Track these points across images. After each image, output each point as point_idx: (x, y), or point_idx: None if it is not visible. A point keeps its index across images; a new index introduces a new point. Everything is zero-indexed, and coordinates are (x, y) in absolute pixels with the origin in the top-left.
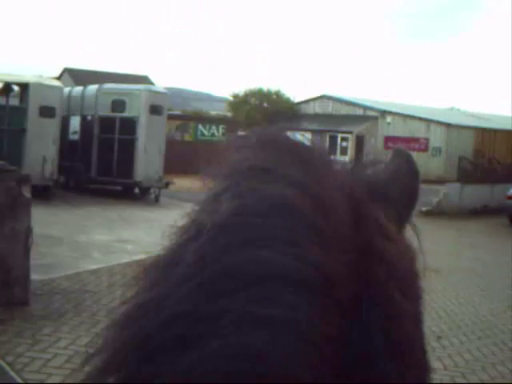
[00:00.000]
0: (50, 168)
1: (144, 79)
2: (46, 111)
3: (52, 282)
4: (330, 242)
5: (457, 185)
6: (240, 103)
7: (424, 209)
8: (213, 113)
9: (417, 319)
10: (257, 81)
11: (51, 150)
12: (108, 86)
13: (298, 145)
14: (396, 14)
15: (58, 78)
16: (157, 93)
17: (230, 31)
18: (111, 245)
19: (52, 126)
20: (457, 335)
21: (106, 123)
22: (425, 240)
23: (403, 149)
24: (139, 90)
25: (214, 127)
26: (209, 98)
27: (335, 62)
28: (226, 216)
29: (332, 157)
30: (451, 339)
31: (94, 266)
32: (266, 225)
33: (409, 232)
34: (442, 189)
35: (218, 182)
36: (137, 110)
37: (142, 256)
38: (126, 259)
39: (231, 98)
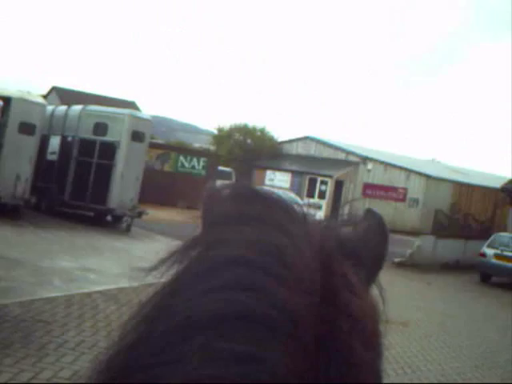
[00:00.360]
0: (23, 187)
1: (131, 105)
2: (26, 128)
3: (3, 308)
4: (292, 286)
5: (431, 238)
6: (224, 137)
7: (397, 260)
8: (196, 145)
9: (377, 373)
10: (243, 116)
11: (26, 169)
12: (92, 107)
13: (271, 199)
14: (386, 63)
15: (45, 97)
16: (140, 119)
17: (221, 64)
18: (74, 272)
19: (30, 143)
20: None
21: (86, 146)
22: (395, 292)
23: (375, 211)
24: (123, 114)
25: (195, 159)
26: (194, 130)
27: (321, 105)
28: (194, 266)
29: (307, 213)
30: None
31: (52, 294)
32: (230, 272)
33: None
34: (416, 241)
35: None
36: (118, 134)
37: (104, 287)
38: (86, 289)
39: (216, 132)
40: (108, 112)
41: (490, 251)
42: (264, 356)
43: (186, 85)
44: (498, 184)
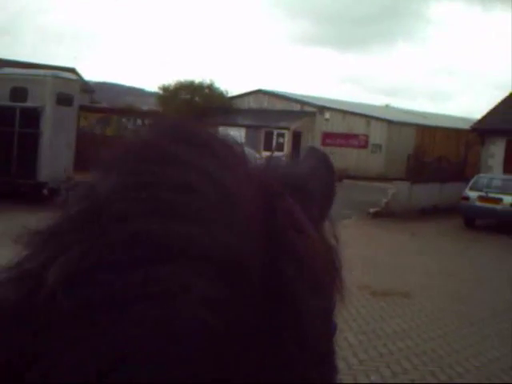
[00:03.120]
0: None
1: (71, 71)
2: None
3: None
4: (240, 228)
5: (406, 184)
6: (170, 97)
7: (372, 210)
8: (145, 108)
9: (327, 321)
10: (189, 74)
11: None
12: (7, 70)
13: (206, 133)
14: (337, 18)
15: None
16: (66, 80)
17: (163, 23)
18: None
19: None
20: None
21: (4, 114)
22: (380, 249)
23: (316, 146)
24: (44, 75)
25: (139, 122)
26: (142, 93)
27: (271, 57)
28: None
29: (245, 150)
30: None
31: None
32: (174, 201)
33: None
34: (390, 188)
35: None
36: (41, 99)
37: None
38: None
39: (161, 92)
40: (26, 74)
41: (473, 194)
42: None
43: (129, 46)
44: (459, 125)
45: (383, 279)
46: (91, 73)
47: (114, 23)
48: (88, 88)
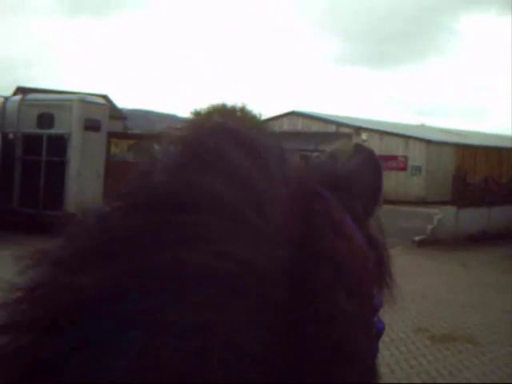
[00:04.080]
0: None
1: (103, 98)
2: None
3: None
4: (263, 237)
5: (452, 208)
6: (202, 122)
7: (417, 238)
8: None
9: (363, 324)
10: (221, 97)
11: None
12: (33, 96)
13: (247, 133)
14: (361, 37)
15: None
16: (93, 104)
17: (195, 47)
18: None
19: None
20: None
21: (31, 142)
22: (431, 284)
23: (364, 145)
24: (70, 100)
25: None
26: (174, 119)
27: (306, 78)
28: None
29: (285, 151)
30: None
31: None
32: (190, 221)
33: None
34: (436, 214)
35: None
36: (68, 125)
37: None
38: None
39: (193, 117)
40: (52, 100)
41: None
42: (222, 325)
43: (161, 73)
44: (499, 143)
45: (440, 320)
46: (124, 100)
47: (147, 50)
48: (121, 115)
